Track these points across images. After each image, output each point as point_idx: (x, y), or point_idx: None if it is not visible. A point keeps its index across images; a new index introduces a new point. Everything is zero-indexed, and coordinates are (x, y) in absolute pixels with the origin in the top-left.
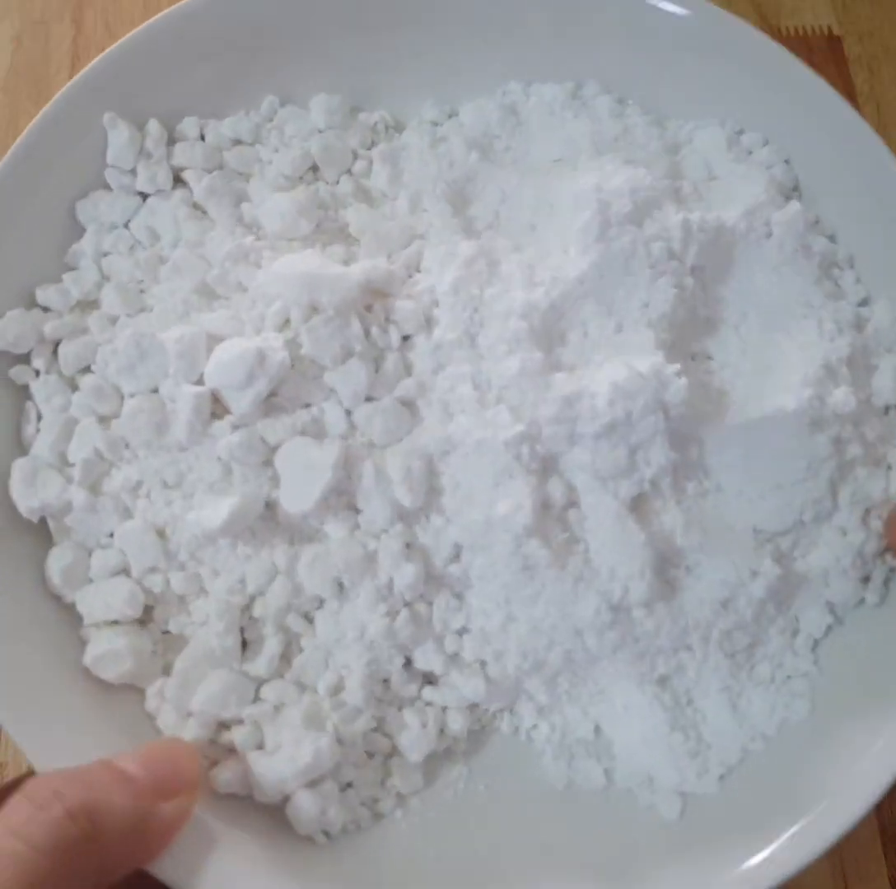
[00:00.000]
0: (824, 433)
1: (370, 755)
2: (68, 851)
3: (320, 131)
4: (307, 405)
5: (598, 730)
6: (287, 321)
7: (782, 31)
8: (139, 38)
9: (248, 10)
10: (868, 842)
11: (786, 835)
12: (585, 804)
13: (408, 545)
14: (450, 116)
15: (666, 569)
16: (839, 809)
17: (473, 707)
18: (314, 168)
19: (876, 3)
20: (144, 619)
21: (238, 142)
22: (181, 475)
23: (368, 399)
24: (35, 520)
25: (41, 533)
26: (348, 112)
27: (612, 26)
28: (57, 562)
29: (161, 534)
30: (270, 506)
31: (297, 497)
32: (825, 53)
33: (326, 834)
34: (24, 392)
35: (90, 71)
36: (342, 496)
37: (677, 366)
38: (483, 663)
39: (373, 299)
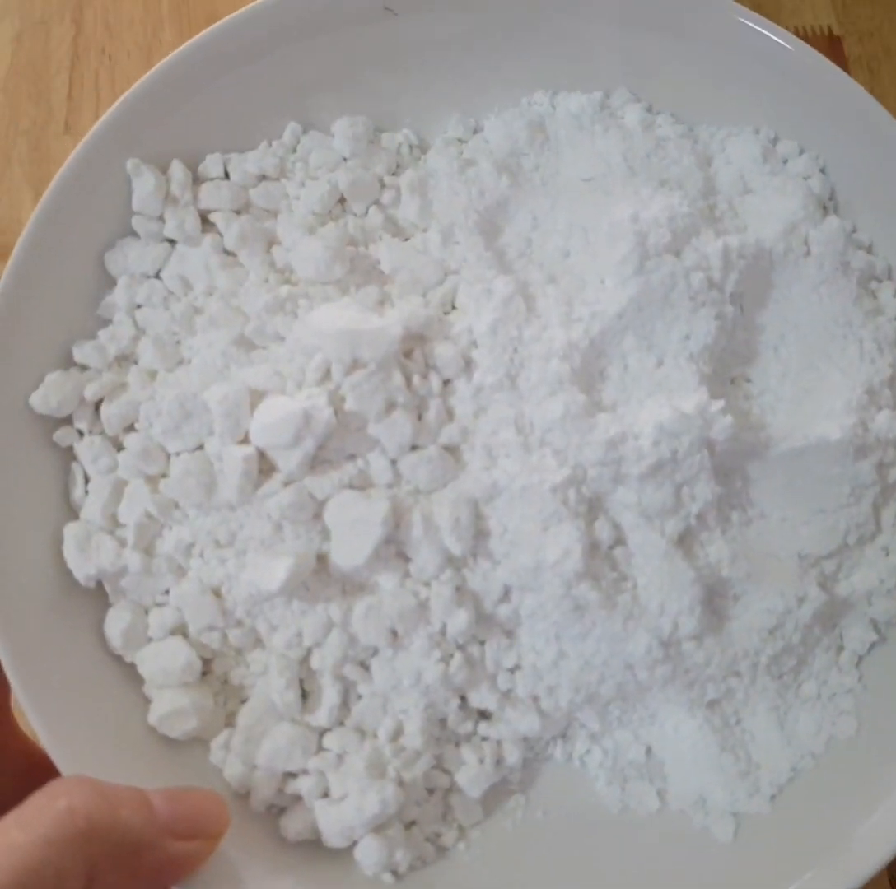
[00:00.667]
0: (868, 460)
1: (431, 792)
2: (60, 846)
3: (345, 159)
4: (352, 457)
5: (649, 751)
6: (327, 372)
7: None
8: (154, 78)
9: (262, 36)
10: None
11: (839, 853)
12: (640, 828)
13: (458, 589)
14: (475, 131)
15: (713, 599)
16: (890, 825)
17: (528, 738)
18: (342, 199)
19: (876, 3)
20: (204, 670)
21: (263, 177)
22: (233, 534)
23: (413, 447)
24: (92, 586)
25: (97, 592)
26: (372, 134)
27: (640, 32)
28: (116, 623)
29: (216, 592)
30: (321, 558)
31: (348, 553)
32: (825, 53)
33: (394, 873)
34: (69, 453)
35: (109, 117)
36: (391, 545)
37: (721, 402)
38: (536, 698)
39: (412, 344)
